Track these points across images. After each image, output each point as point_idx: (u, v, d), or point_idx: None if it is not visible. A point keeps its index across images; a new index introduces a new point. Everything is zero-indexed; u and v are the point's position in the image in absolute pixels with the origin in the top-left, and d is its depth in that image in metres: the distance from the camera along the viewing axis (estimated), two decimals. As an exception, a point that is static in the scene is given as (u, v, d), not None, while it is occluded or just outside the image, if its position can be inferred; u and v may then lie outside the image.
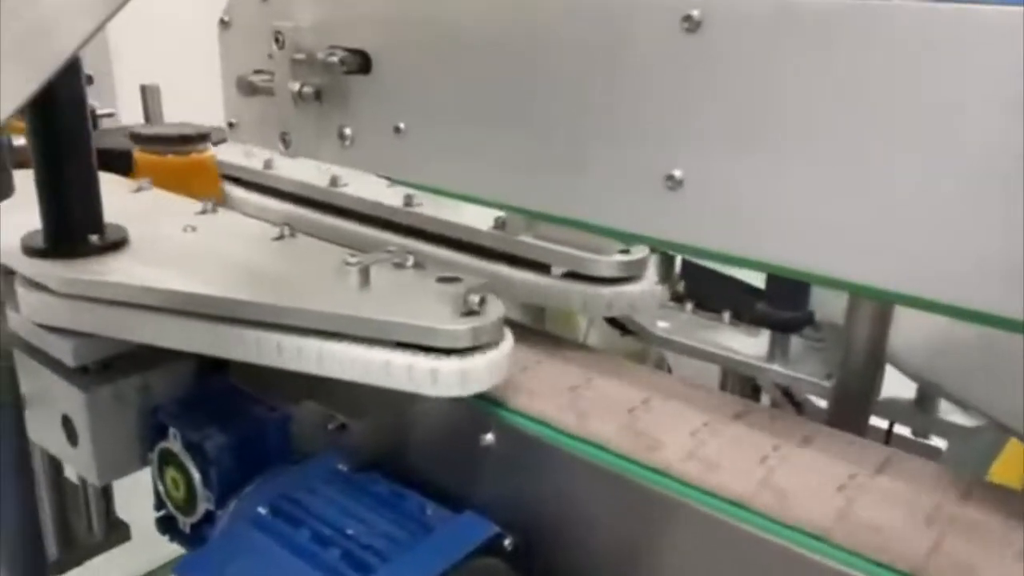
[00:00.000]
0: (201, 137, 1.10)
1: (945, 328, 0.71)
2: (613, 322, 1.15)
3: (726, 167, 0.54)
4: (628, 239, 0.63)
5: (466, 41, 0.65)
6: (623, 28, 0.56)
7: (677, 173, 0.56)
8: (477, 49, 0.65)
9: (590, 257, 0.79)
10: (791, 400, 1.09)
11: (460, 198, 0.72)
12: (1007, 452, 1.58)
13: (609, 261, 0.79)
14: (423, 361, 0.62)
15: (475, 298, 0.64)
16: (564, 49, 0.60)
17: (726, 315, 1.10)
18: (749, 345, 1.03)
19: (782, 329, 0.97)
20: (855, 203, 0.49)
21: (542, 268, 0.82)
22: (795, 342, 0.98)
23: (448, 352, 0.62)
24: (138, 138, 1.09)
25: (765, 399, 1.25)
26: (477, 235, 0.89)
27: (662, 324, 1.09)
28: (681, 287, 1.17)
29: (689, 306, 1.14)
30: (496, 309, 0.65)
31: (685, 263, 0.93)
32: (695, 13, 0.52)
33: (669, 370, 1.30)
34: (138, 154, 1.09)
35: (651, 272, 0.82)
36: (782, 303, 0.95)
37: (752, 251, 0.55)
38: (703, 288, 1.13)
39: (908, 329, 0.77)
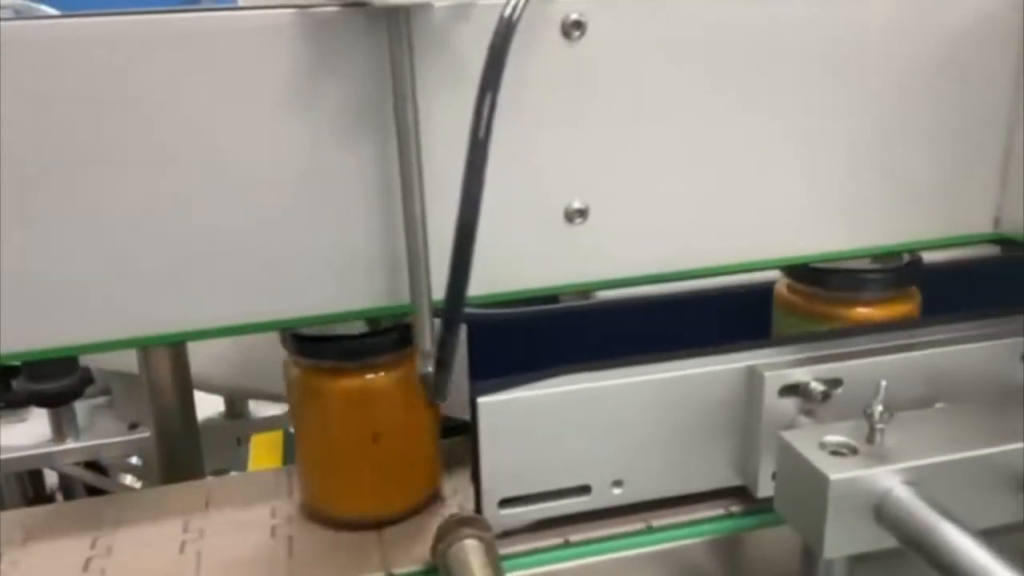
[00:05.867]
0: None
1: (238, 341, 0.71)
2: None
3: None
4: None
5: None
6: None
7: None
8: None
9: None
10: (98, 470, 0.97)
11: None
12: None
13: None
14: None
15: None
16: None
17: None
18: (26, 434, 0.87)
19: (58, 402, 0.84)
20: (157, 251, 0.43)
21: None
22: (81, 407, 0.86)
23: None
24: None
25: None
26: None
27: None
28: None
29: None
30: None
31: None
32: None
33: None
34: None
35: None
36: (48, 374, 0.82)
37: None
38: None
39: (205, 353, 0.75)
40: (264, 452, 1.78)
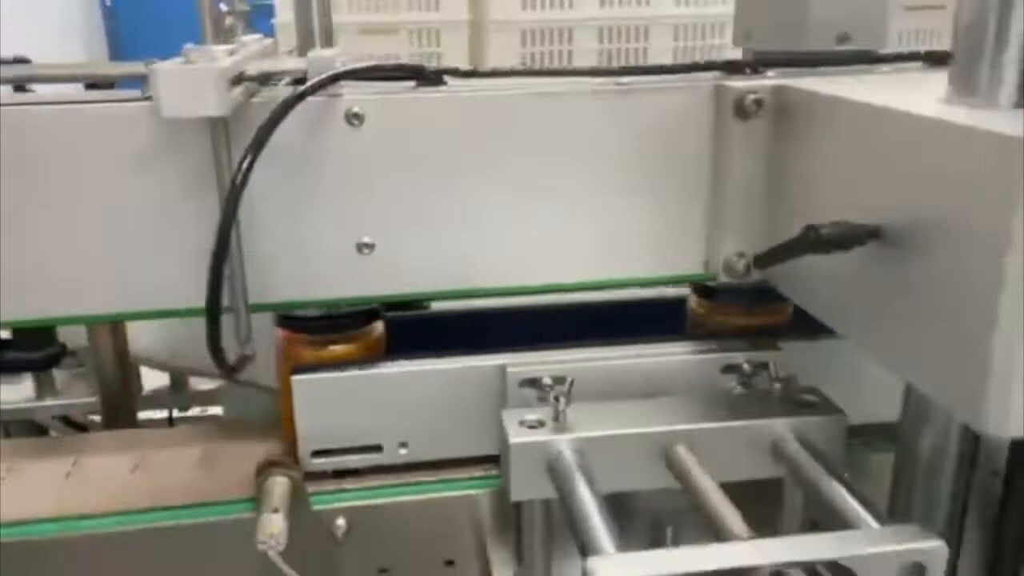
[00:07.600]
0: None
1: (170, 323, 0.91)
2: None
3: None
4: None
5: None
6: None
7: None
8: None
9: None
10: (73, 424, 1.18)
11: None
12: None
13: None
14: None
15: None
16: None
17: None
18: (16, 392, 1.09)
19: (39, 368, 1.06)
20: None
21: None
22: (60, 374, 1.07)
23: None
24: None
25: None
26: None
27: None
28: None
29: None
30: None
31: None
32: None
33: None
34: None
35: None
36: (31, 345, 1.03)
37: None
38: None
39: (144, 333, 0.95)
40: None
